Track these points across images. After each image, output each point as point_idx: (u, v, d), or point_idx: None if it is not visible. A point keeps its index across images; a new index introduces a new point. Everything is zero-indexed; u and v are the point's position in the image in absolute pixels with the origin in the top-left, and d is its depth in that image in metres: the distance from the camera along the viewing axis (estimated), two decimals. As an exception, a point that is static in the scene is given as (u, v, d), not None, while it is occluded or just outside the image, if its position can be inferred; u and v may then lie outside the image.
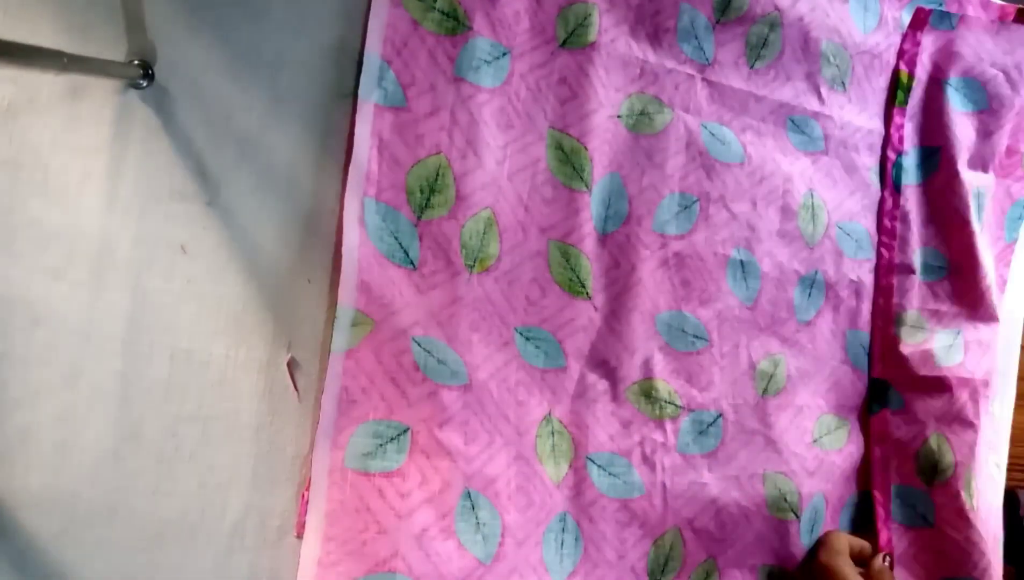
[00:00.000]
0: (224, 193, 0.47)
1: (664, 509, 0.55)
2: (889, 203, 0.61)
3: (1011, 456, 0.68)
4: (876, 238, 0.62)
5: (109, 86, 0.45)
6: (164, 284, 0.46)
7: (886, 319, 0.61)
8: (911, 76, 0.62)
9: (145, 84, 0.46)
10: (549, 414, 0.53)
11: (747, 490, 0.57)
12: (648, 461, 0.55)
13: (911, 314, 0.62)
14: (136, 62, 0.45)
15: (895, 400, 0.61)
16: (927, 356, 0.61)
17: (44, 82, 0.44)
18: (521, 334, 0.53)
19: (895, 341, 0.61)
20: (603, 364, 0.55)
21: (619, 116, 0.55)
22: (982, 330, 0.64)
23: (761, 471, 0.57)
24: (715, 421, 0.57)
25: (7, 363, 0.44)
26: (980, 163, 0.64)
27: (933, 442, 0.60)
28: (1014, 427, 0.69)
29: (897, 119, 0.62)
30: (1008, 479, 0.68)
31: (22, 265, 0.44)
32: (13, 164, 0.44)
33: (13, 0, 0.44)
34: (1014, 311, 0.69)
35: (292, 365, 0.49)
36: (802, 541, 0.57)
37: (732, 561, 0.56)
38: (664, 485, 0.55)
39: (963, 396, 0.61)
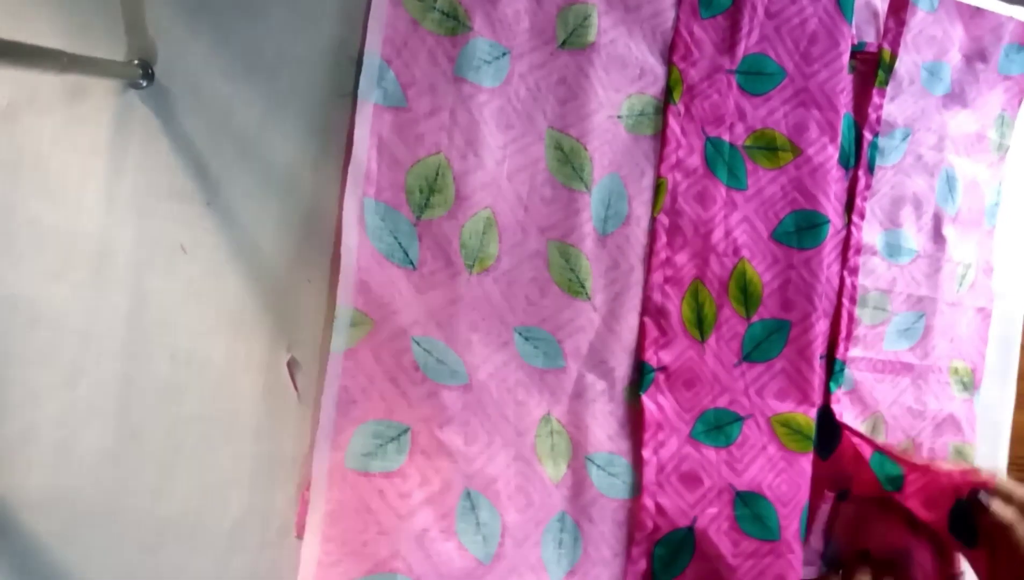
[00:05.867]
0: (224, 193, 0.47)
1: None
2: (862, 183, 0.62)
3: (1012, 455, 0.69)
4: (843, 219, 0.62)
5: (109, 86, 0.45)
6: (164, 284, 0.46)
7: (851, 299, 0.61)
8: (894, 56, 0.62)
9: (145, 84, 0.46)
10: (548, 414, 0.53)
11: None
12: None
13: (874, 295, 0.62)
14: (136, 62, 0.45)
15: (848, 380, 0.61)
16: (878, 338, 0.62)
17: (44, 82, 0.44)
18: (520, 334, 0.53)
19: (856, 321, 0.61)
20: (601, 364, 0.55)
21: (619, 116, 0.55)
22: (947, 314, 0.64)
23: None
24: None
25: (7, 363, 0.44)
26: (951, 147, 0.65)
27: (869, 423, 0.62)
28: (1015, 426, 0.69)
29: (876, 99, 0.62)
30: (1008, 477, 0.68)
31: (22, 265, 0.44)
32: (13, 164, 0.44)
33: (13, 0, 0.44)
34: (1013, 309, 0.69)
35: (292, 365, 0.49)
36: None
37: None
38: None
39: (904, 380, 0.63)
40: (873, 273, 0.63)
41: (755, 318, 0.58)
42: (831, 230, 0.59)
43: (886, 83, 0.62)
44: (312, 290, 0.49)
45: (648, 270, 0.56)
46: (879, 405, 0.62)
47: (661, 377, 0.56)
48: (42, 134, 0.45)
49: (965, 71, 0.66)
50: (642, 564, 0.54)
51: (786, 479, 0.57)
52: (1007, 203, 0.68)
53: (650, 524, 0.54)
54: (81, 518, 0.45)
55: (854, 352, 0.61)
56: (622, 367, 0.55)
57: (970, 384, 0.66)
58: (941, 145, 0.65)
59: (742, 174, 0.58)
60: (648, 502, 0.54)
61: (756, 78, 0.58)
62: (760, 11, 0.58)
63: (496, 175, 0.52)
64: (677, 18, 0.57)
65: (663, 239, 0.56)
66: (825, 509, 0.61)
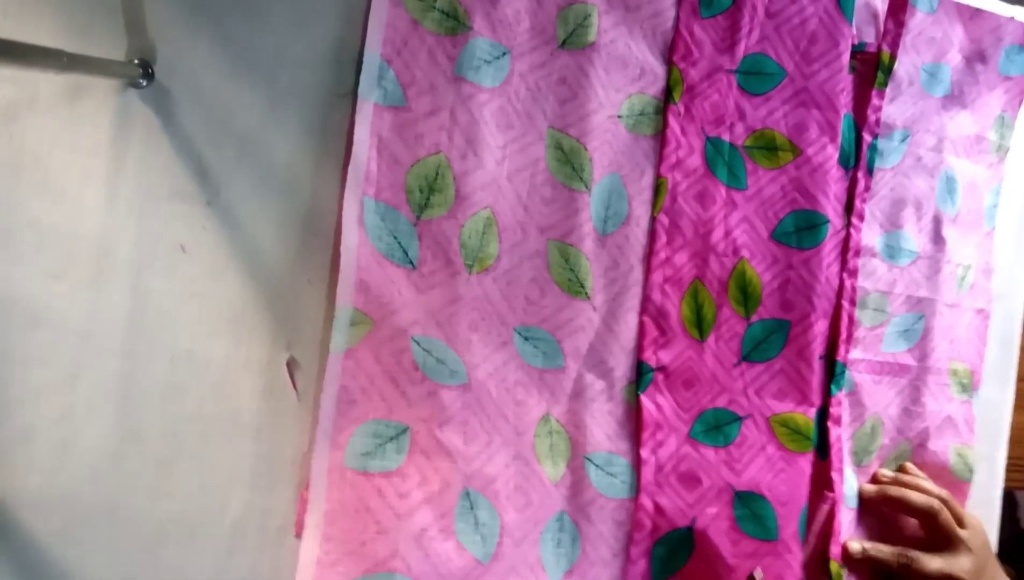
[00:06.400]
0: (224, 193, 0.47)
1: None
2: (861, 185, 0.62)
3: (1011, 457, 0.69)
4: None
5: (109, 86, 0.45)
6: (164, 284, 0.46)
7: (851, 302, 0.61)
8: (893, 57, 0.62)
9: (145, 84, 0.46)
10: (547, 414, 0.53)
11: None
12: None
13: (874, 297, 0.62)
14: (136, 62, 0.45)
15: (848, 383, 0.62)
16: (877, 339, 0.62)
17: (44, 82, 0.44)
18: (520, 334, 0.53)
19: (856, 324, 0.61)
20: (601, 364, 0.55)
21: (619, 116, 0.55)
22: (947, 316, 0.65)
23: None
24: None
25: (7, 363, 0.44)
26: (950, 148, 0.65)
27: (868, 425, 0.62)
28: (1014, 427, 0.69)
29: (875, 101, 0.62)
30: (1008, 480, 0.68)
31: (22, 265, 0.44)
32: (13, 164, 0.44)
33: (13, 0, 0.44)
34: (1012, 310, 0.69)
35: (292, 365, 0.49)
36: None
37: None
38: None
39: (902, 381, 0.63)
40: (873, 275, 0.63)
41: (754, 318, 0.58)
42: (831, 230, 0.59)
43: (885, 85, 0.62)
44: (312, 290, 0.49)
45: (648, 270, 0.56)
46: (877, 407, 0.63)
47: (660, 377, 0.56)
48: (42, 134, 0.45)
49: (965, 72, 0.65)
50: (641, 564, 0.54)
51: (785, 479, 0.57)
52: (1007, 204, 0.68)
53: (649, 524, 0.54)
54: (81, 518, 0.45)
55: (854, 354, 0.62)
56: (621, 367, 0.56)
57: (969, 386, 0.66)
58: (940, 147, 0.65)
59: (742, 174, 0.58)
60: (647, 502, 0.55)
61: (756, 78, 0.58)
62: (760, 11, 0.58)
63: (496, 175, 0.52)
64: (677, 18, 0.57)
65: (663, 239, 0.56)
66: (825, 510, 0.61)
